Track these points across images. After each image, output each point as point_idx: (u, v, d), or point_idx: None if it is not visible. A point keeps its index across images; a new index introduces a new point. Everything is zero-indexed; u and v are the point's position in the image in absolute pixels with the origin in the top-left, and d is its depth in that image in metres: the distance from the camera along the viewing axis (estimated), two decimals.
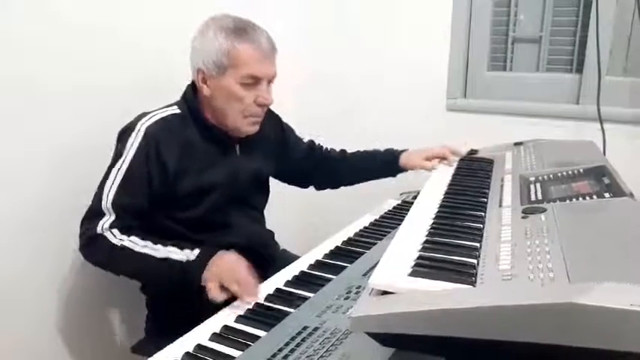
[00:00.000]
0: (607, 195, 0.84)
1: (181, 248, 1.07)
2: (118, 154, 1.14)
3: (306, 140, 1.49)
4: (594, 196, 0.85)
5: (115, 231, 1.10)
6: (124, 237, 1.10)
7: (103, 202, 1.11)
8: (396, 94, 1.95)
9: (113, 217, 1.11)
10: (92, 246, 1.11)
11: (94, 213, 1.12)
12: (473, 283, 0.62)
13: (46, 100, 1.26)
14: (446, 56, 1.85)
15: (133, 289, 1.30)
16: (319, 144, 1.50)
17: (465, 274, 0.64)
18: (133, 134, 1.14)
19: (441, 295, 0.61)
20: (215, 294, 0.97)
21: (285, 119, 1.44)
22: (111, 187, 1.12)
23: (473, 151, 1.43)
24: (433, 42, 1.86)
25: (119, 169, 1.12)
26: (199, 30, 1.17)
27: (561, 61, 1.77)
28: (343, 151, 1.50)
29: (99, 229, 1.10)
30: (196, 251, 1.05)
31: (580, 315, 0.50)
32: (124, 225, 1.12)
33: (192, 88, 1.21)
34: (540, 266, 0.61)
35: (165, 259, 1.06)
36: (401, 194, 1.58)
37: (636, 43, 1.62)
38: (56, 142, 1.30)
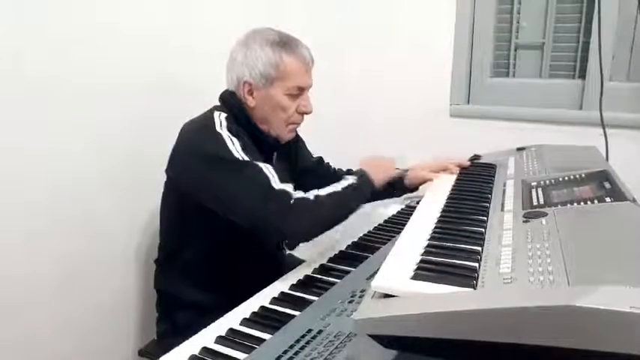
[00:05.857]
0: (608, 200, 0.85)
1: (344, 178, 1.19)
2: (223, 151, 1.09)
3: (315, 156, 1.50)
4: (595, 201, 0.85)
5: (300, 192, 1.10)
6: (309, 192, 1.10)
7: (270, 179, 1.07)
8: (399, 100, 1.97)
9: (285, 185, 1.08)
10: (295, 214, 1.06)
11: (266, 194, 1.06)
12: (474, 287, 0.63)
13: (67, 100, 1.29)
14: (449, 62, 1.87)
15: (143, 292, 1.31)
16: (327, 162, 1.51)
17: (467, 278, 0.65)
18: (219, 132, 1.12)
19: (443, 298, 0.62)
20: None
21: None
22: (257, 166, 1.09)
23: (476, 157, 1.44)
24: (436, 48, 1.87)
25: (240, 154, 1.09)
26: (242, 42, 1.20)
27: (564, 67, 1.78)
28: (349, 172, 1.51)
29: (292, 199, 1.06)
30: (355, 175, 1.20)
31: (579, 317, 0.50)
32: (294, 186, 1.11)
33: (231, 94, 1.22)
34: (540, 269, 0.62)
35: (347, 187, 1.15)
36: (405, 199, 1.59)
37: (639, 49, 1.63)
38: (78, 140, 1.33)
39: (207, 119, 1.18)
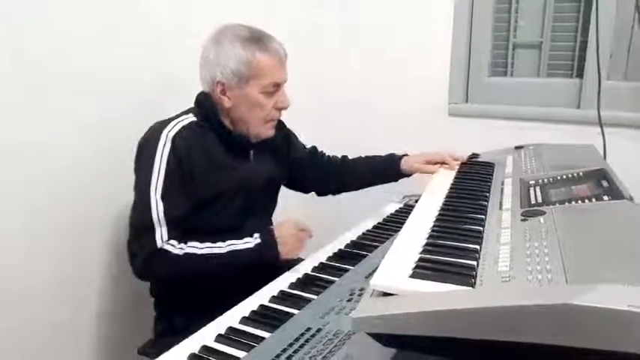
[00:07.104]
0: (606, 198, 0.85)
1: (239, 238, 1.13)
2: (147, 167, 1.12)
3: (308, 146, 1.50)
4: (593, 199, 0.86)
5: (173, 242, 1.10)
6: (183, 245, 1.11)
7: (154, 216, 1.09)
8: (398, 99, 1.97)
9: (166, 229, 1.10)
10: (152, 262, 1.10)
11: (144, 229, 1.10)
12: (472, 285, 0.63)
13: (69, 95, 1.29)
14: (447, 62, 1.87)
15: (141, 291, 1.31)
16: (321, 151, 1.51)
17: (465, 276, 0.65)
18: (160, 145, 1.13)
19: (441, 296, 0.62)
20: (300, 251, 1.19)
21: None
22: (156, 200, 1.10)
23: (474, 155, 1.44)
24: (435, 47, 1.87)
25: (157, 180, 1.11)
26: (212, 40, 1.17)
27: (562, 66, 1.78)
28: (344, 157, 1.51)
29: (158, 244, 1.09)
30: (256, 236, 1.14)
31: (577, 316, 0.51)
32: (178, 233, 1.12)
33: (205, 96, 1.22)
34: (539, 268, 0.62)
35: (231, 252, 1.11)
36: (403, 197, 1.60)
37: (636, 48, 1.63)
38: (78, 140, 1.33)
39: (164, 123, 1.17)
